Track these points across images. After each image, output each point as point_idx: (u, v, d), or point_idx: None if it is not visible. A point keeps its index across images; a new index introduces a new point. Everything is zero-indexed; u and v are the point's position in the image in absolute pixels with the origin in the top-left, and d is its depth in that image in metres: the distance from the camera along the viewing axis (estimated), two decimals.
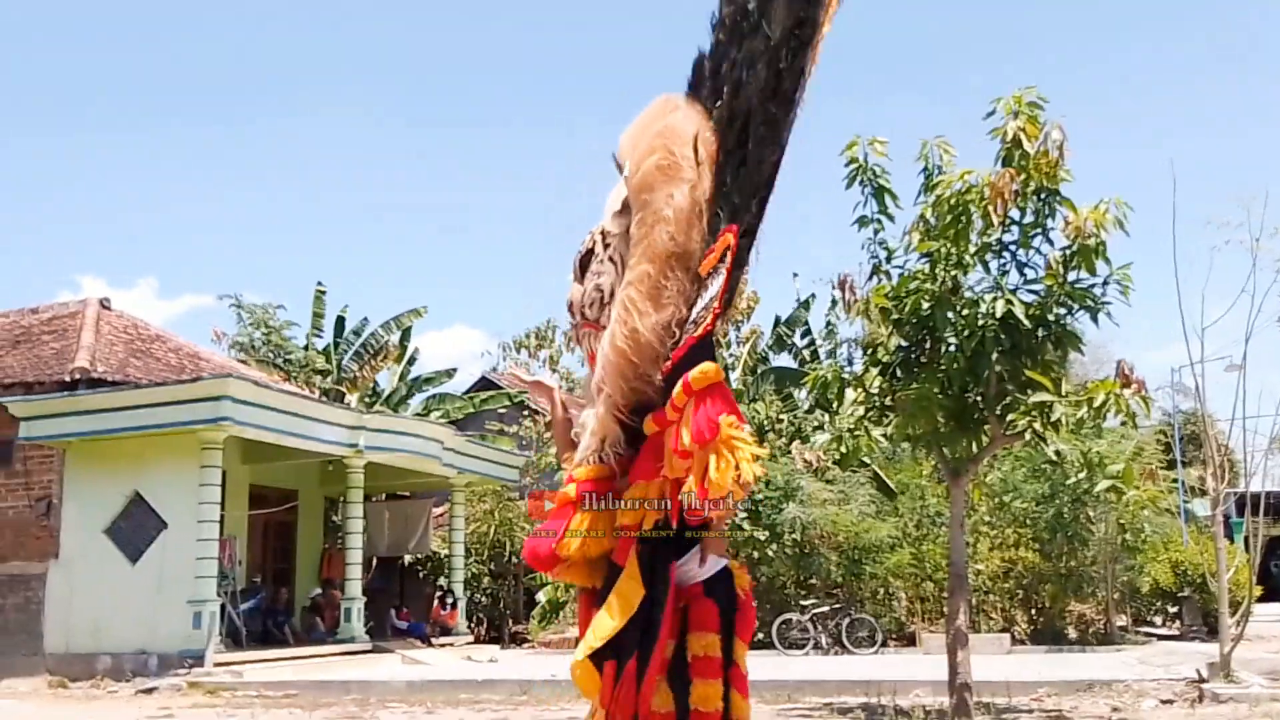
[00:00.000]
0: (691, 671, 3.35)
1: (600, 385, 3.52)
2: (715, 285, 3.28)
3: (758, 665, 14.41)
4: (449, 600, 20.62)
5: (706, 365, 3.17)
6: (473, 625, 22.07)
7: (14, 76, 68.33)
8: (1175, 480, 21.43)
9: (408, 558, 23.04)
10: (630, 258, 3.50)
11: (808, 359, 25.28)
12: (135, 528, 15.46)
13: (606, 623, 3.21)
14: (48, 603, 15.78)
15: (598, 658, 3.21)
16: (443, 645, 19.20)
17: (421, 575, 23.45)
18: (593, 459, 3.52)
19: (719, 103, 3.69)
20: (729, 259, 3.26)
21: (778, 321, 26.98)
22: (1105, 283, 9.13)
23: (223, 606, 15.70)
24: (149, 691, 13.55)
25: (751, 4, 3.65)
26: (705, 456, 3.09)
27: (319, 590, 19.28)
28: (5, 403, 15.49)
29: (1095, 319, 9.19)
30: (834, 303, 25.44)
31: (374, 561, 21.50)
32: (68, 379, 15.77)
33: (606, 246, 3.67)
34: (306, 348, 28.41)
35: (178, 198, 68.39)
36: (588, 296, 3.67)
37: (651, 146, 3.53)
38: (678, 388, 3.21)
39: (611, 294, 3.57)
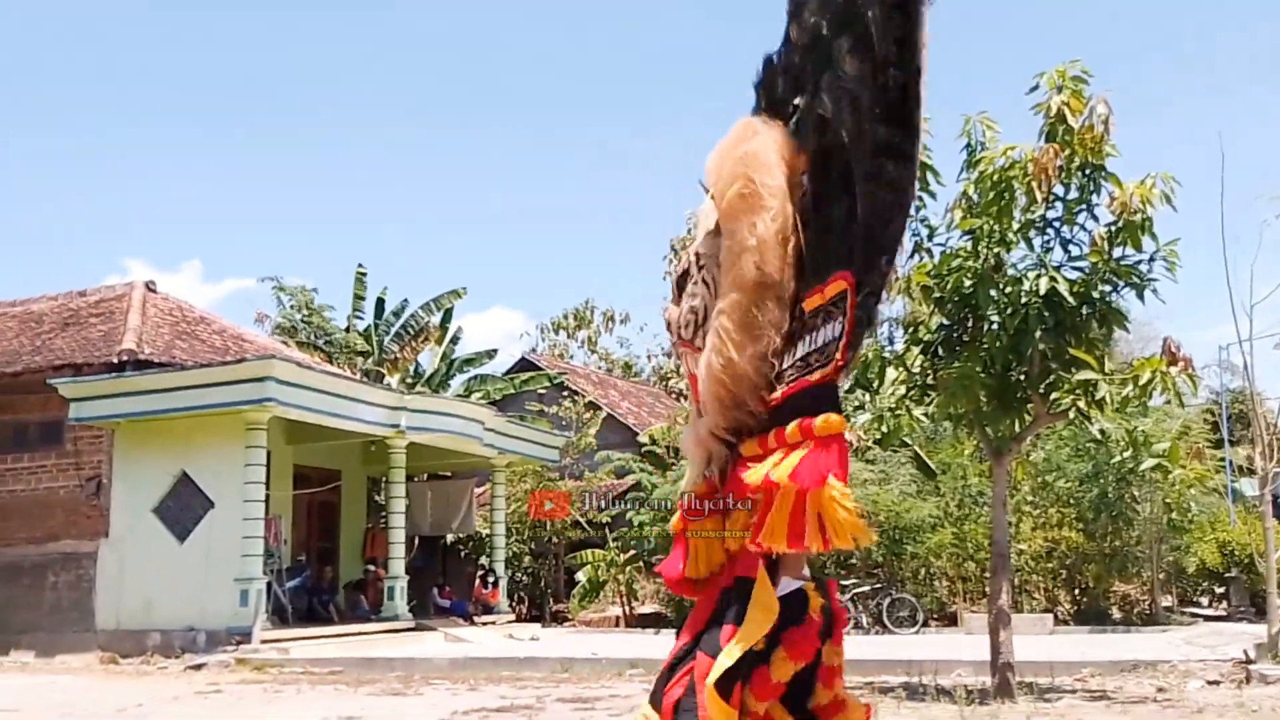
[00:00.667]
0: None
1: (701, 409, 3.58)
2: (830, 330, 3.23)
3: None
4: (490, 579, 20.78)
5: (832, 416, 3.15)
6: (514, 604, 22.23)
7: (62, 63, 69.18)
8: (1222, 459, 21.18)
9: (450, 537, 23.23)
10: (721, 284, 3.52)
11: None
12: (183, 507, 15.69)
13: (755, 630, 3.22)
14: (99, 580, 16.06)
15: (729, 678, 3.23)
16: (485, 623, 19.36)
17: (463, 554, 23.63)
18: (699, 478, 3.59)
19: (794, 117, 3.64)
20: (849, 311, 3.20)
21: None
22: (1151, 259, 9.03)
23: (269, 584, 15.90)
24: (198, 667, 13.77)
25: (825, 29, 3.49)
26: (787, 502, 3.11)
27: (370, 568, 19.51)
28: (55, 384, 15.75)
29: (1141, 296, 9.10)
30: None
31: (416, 541, 21.68)
32: (115, 361, 15.99)
33: (700, 268, 3.67)
34: (348, 329, 28.65)
35: (221, 182, 69.05)
36: (683, 318, 3.69)
37: (734, 174, 3.50)
38: (793, 426, 3.19)
39: (705, 316, 3.59)
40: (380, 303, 29.26)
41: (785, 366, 3.35)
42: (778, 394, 3.31)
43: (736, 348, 3.35)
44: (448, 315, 29.71)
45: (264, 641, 14.71)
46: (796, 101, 3.68)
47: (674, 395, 32.02)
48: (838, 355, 3.17)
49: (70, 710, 9.81)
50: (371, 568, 19.53)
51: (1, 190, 67.08)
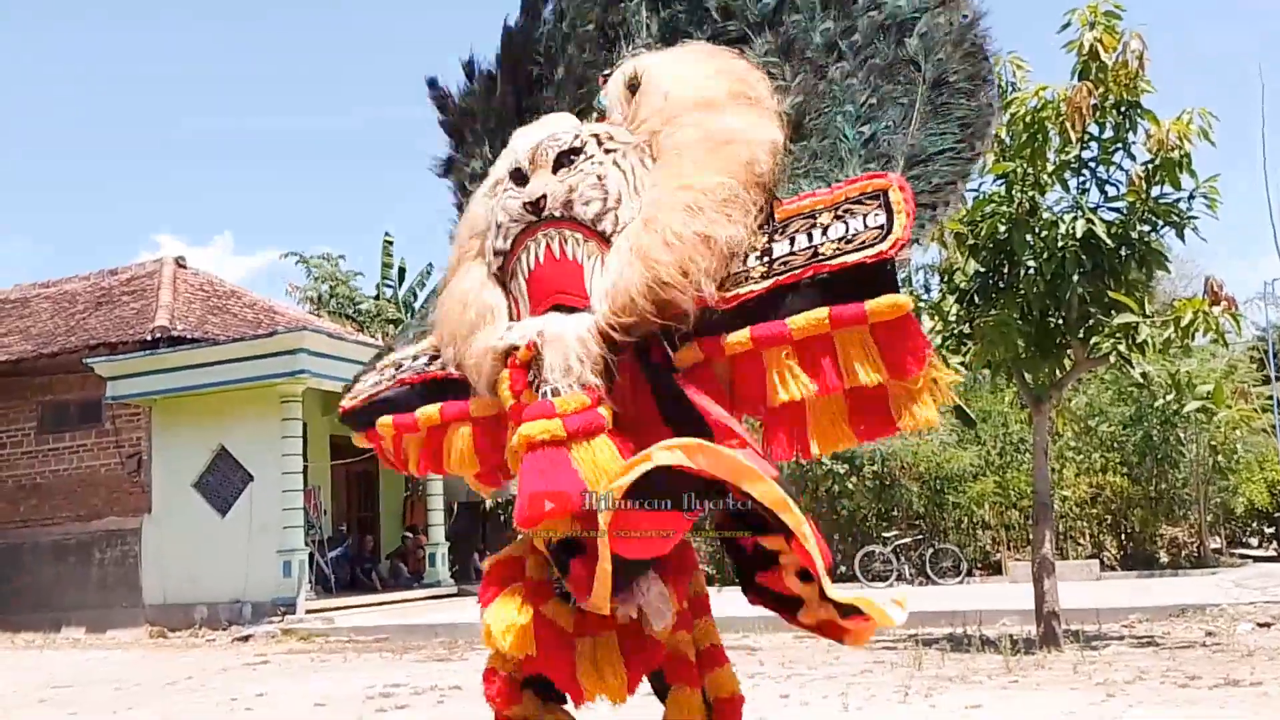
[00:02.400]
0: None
1: (561, 299, 2.99)
2: (858, 222, 2.76)
3: None
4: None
5: (893, 297, 2.67)
6: None
7: (97, 43, 69.43)
8: (1270, 398, 20.83)
9: (489, 502, 23.31)
10: (681, 168, 2.99)
11: None
12: (222, 481, 15.83)
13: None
14: (144, 556, 16.26)
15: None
16: None
17: (503, 519, 23.70)
18: (574, 386, 2.89)
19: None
20: (901, 203, 2.72)
21: None
22: (1191, 197, 8.84)
23: (311, 555, 16.04)
24: (245, 639, 13.92)
25: None
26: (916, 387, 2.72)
27: (409, 535, 19.63)
28: (91, 363, 15.88)
29: (1181, 235, 8.91)
30: None
31: (456, 507, 21.79)
32: (149, 338, 16.10)
33: (609, 151, 3.11)
34: (378, 297, 28.74)
35: (252, 152, 69.25)
36: (581, 193, 3.04)
37: (721, 72, 3.16)
38: (819, 316, 2.72)
39: (619, 199, 3.03)
40: (401, 272, 29.33)
41: (755, 263, 2.90)
42: (757, 287, 2.85)
43: (715, 225, 2.85)
44: None
45: (309, 611, 14.84)
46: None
47: None
48: (900, 232, 2.67)
49: (122, 684, 9.92)
50: (410, 535, 19.63)
51: (33, 169, 67.68)
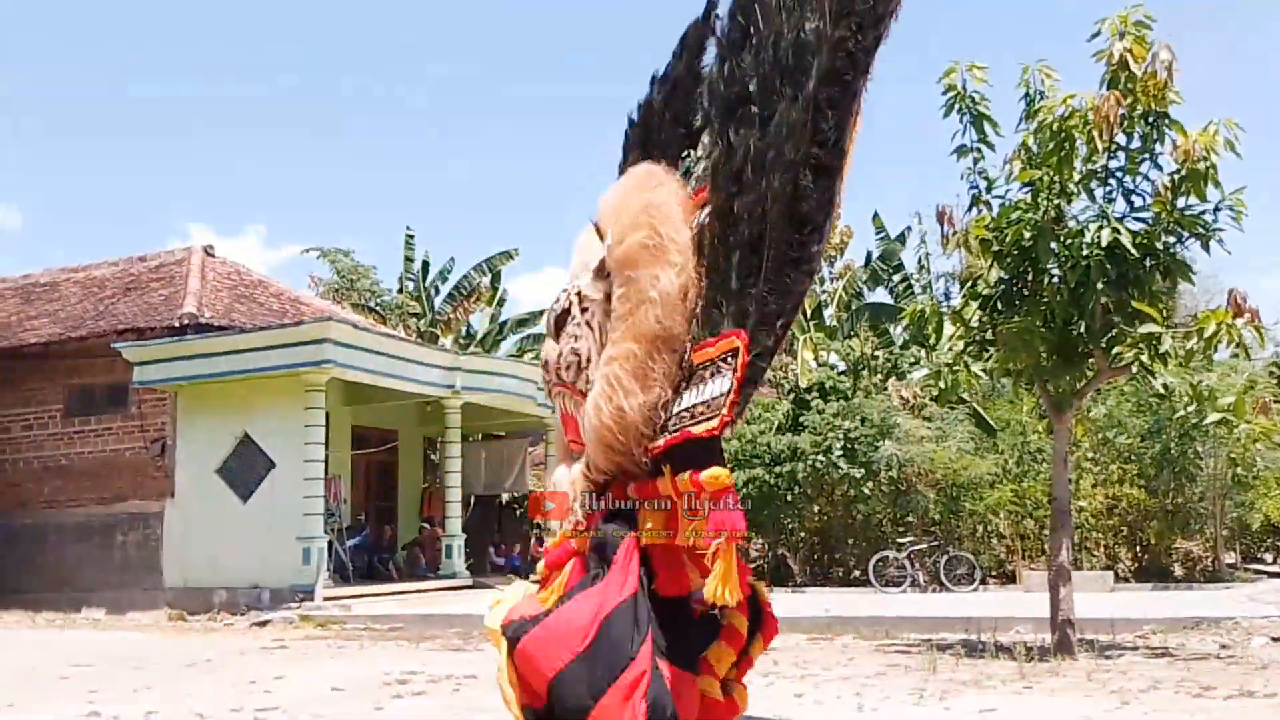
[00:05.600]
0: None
1: (574, 448, 3.74)
2: (719, 385, 3.28)
3: (856, 602, 14.36)
4: (546, 537, 20.91)
5: (719, 471, 3.21)
6: None
7: (133, 28, 69.87)
8: None
9: (505, 496, 23.43)
10: (613, 331, 3.51)
11: (901, 294, 24.91)
12: (245, 468, 15.98)
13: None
14: (165, 539, 16.44)
15: None
16: None
17: (519, 513, 23.83)
18: (572, 520, 3.73)
19: (689, 167, 3.86)
20: (739, 369, 3.25)
21: (870, 258, 26.59)
22: (1216, 209, 8.83)
23: (330, 543, 16.17)
24: (263, 624, 14.04)
25: (752, 84, 3.61)
26: (730, 552, 3.24)
27: (426, 526, 19.76)
28: (119, 348, 16.06)
29: (1206, 247, 8.90)
30: (922, 239, 25.10)
31: (472, 500, 21.92)
32: (176, 324, 16.27)
33: (584, 310, 3.68)
34: (400, 290, 28.91)
35: (287, 145, 69.54)
36: (564, 359, 3.70)
37: (636, 222, 3.51)
38: (684, 476, 3.29)
39: (589, 360, 3.62)
40: (425, 266, 29.52)
41: (669, 415, 3.41)
42: (660, 442, 3.37)
43: (628, 395, 3.38)
44: (496, 277, 29.88)
45: (326, 599, 14.99)
46: (696, 154, 3.90)
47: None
48: (724, 411, 3.21)
49: (141, 664, 10.03)
50: (427, 526, 19.74)
51: (69, 156, 68.14)
